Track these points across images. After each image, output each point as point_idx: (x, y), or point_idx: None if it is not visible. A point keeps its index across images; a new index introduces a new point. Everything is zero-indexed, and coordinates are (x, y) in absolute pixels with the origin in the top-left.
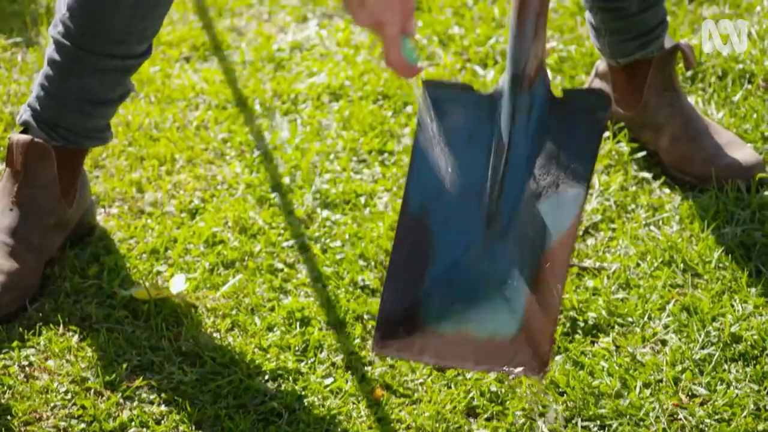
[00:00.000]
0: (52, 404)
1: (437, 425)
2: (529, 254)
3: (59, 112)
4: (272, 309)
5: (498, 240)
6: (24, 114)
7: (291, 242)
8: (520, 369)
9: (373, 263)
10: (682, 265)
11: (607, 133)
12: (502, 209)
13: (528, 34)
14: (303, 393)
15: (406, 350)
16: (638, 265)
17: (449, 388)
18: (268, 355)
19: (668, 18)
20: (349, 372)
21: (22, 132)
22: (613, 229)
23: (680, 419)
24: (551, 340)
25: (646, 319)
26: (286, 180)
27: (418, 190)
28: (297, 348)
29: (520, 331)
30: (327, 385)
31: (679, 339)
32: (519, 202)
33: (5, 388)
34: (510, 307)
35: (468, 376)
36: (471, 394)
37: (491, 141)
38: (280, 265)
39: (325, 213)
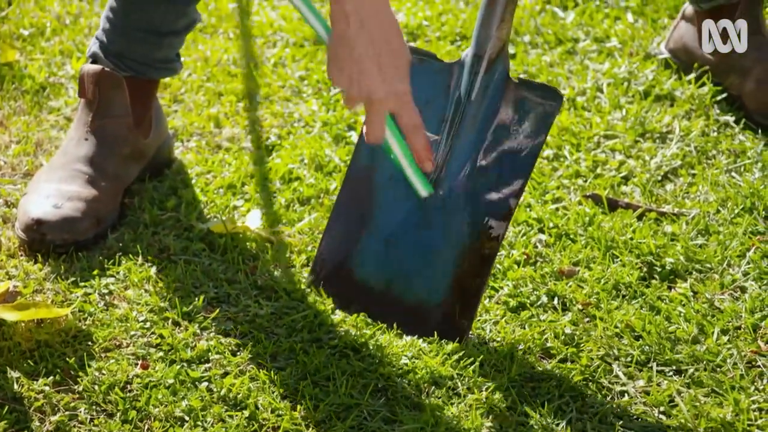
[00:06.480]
0: (131, 332)
1: (510, 364)
2: (463, 229)
3: (125, 43)
4: None
5: (437, 209)
6: (93, 46)
7: None
8: (442, 335)
9: None
10: (763, 212)
11: (690, 76)
12: (444, 180)
13: (495, 17)
14: (376, 329)
15: (336, 296)
16: (718, 211)
17: (523, 328)
18: None
19: None
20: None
21: (92, 63)
22: (693, 175)
23: (759, 366)
24: (473, 313)
25: (725, 265)
26: (363, 118)
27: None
28: None
29: (444, 301)
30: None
31: (759, 286)
32: (460, 178)
33: (86, 315)
34: (438, 277)
35: (542, 317)
36: (545, 336)
37: (445, 111)
38: None
39: None
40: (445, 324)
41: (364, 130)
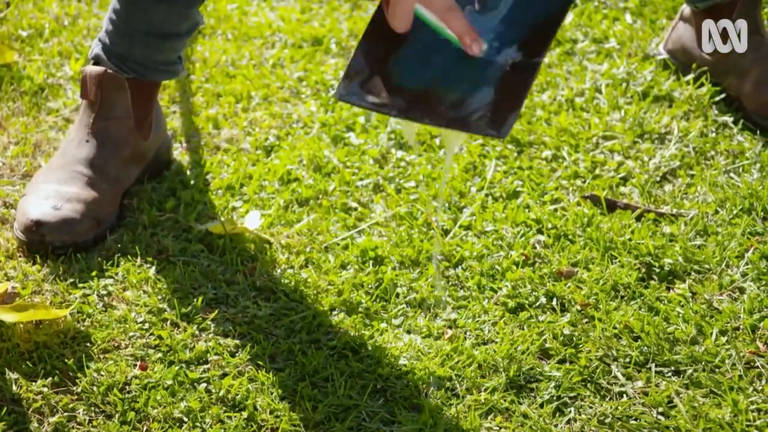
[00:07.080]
0: (130, 333)
1: (509, 365)
2: (514, 28)
3: (127, 45)
4: (346, 247)
5: (485, 13)
6: (95, 48)
7: (365, 182)
8: (483, 130)
9: (447, 204)
10: (762, 213)
11: (688, 77)
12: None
13: None
14: (374, 331)
15: (369, 99)
16: (717, 212)
17: (522, 329)
18: (342, 293)
19: None
20: (421, 311)
21: (95, 65)
22: (692, 176)
23: (757, 367)
24: (519, 105)
25: (723, 266)
26: (361, 119)
27: None
28: (370, 286)
29: (487, 95)
30: (398, 324)
31: (758, 287)
32: None
33: (85, 316)
34: (483, 74)
35: (541, 318)
36: (544, 337)
37: None
38: (354, 204)
39: (400, 153)
40: (487, 116)
41: (389, 17)
